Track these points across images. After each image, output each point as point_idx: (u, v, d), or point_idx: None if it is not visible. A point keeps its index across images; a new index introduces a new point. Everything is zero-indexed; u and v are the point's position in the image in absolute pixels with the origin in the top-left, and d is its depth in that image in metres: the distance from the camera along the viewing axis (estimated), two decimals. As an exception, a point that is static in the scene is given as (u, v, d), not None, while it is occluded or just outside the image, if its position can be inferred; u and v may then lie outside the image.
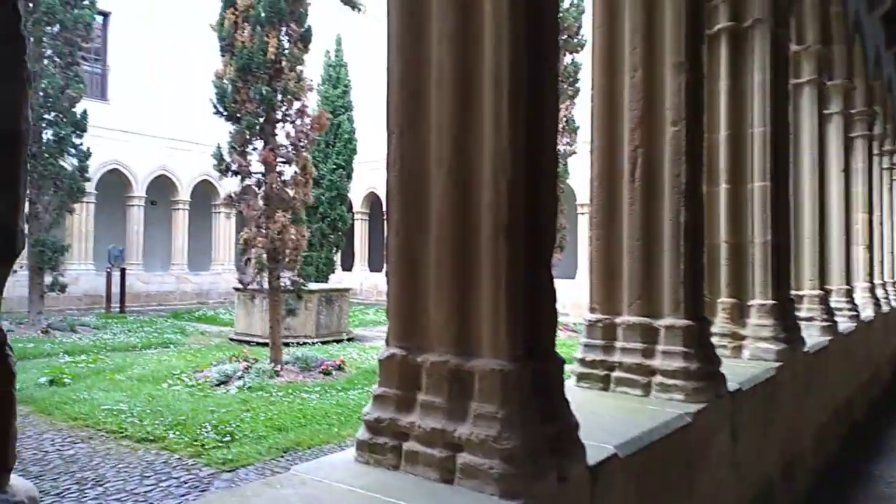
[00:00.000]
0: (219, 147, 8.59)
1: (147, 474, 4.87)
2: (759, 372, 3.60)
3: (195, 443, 5.53)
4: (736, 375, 3.34)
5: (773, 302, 4.08)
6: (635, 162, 3.03)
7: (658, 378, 2.89)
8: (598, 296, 3.12)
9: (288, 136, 8.80)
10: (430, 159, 1.95)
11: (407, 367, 1.96)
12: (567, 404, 1.94)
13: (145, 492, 4.50)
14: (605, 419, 2.56)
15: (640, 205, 3.01)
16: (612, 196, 3.07)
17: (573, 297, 18.81)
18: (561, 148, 13.37)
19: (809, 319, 5.24)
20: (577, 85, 13.75)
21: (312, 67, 10.69)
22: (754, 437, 3.43)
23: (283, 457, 5.37)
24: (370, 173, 23.41)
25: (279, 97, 8.62)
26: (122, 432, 5.87)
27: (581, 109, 14.36)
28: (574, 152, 13.62)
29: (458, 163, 1.88)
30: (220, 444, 5.51)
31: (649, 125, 3.00)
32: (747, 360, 3.98)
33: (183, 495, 4.46)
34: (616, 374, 2.98)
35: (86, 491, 4.49)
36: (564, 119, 13.22)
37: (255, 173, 8.75)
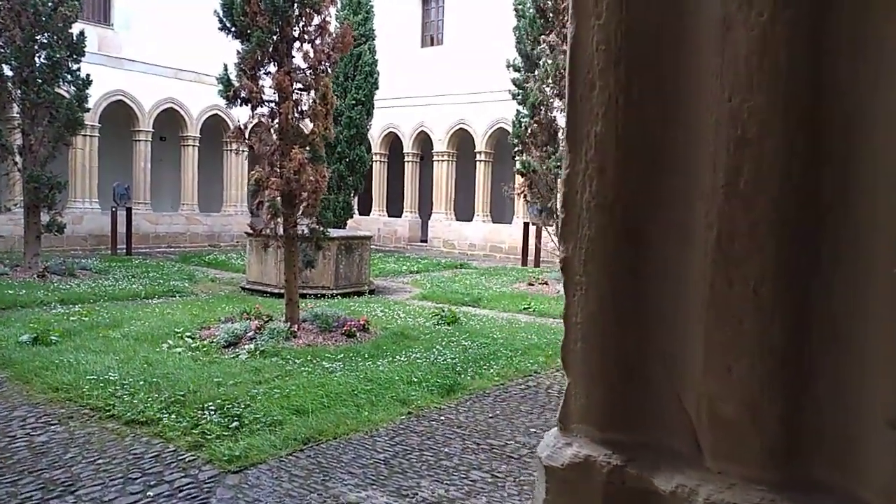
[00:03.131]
0: (225, 68, 7.32)
1: (133, 475, 3.85)
2: None
3: (195, 429, 4.50)
4: None
5: None
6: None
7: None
8: None
9: (306, 57, 7.49)
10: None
11: (624, 498, 0.80)
12: None
13: (127, 505, 3.49)
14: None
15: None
16: None
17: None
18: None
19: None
20: None
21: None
22: None
23: (302, 450, 4.33)
24: (388, 111, 22.01)
25: (296, 9, 7.28)
26: (108, 410, 4.85)
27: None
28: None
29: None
30: (226, 432, 4.48)
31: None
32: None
33: (175, 512, 3.44)
34: None
35: (50, 501, 3.47)
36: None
37: (267, 101, 7.50)
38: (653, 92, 0.78)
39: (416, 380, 5.83)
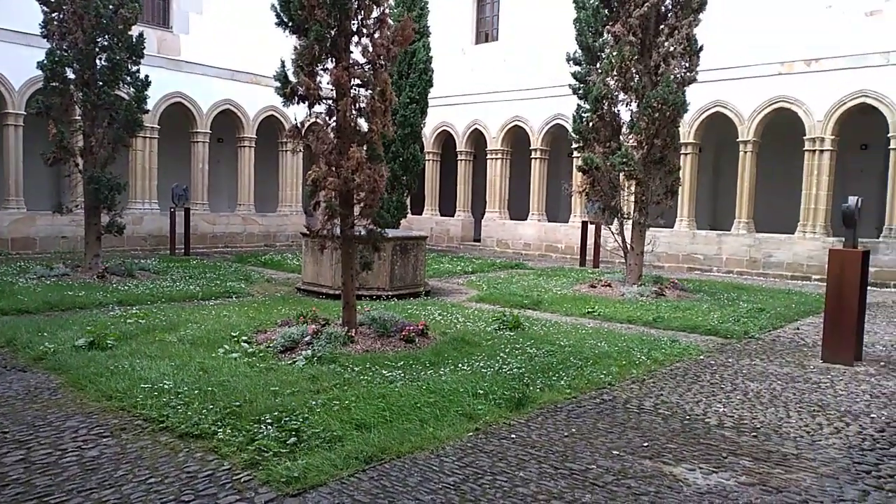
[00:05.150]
0: (283, 65, 7.07)
1: (185, 496, 3.57)
2: None
3: (251, 445, 4.21)
4: None
5: None
6: None
7: None
8: None
9: (365, 52, 7.18)
10: None
11: None
12: None
13: (179, 533, 3.21)
14: None
15: None
16: None
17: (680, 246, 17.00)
18: (679, 73, 11.28)
19: None
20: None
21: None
22: None
23: (364, 471, 3.99)
24: (441, 109, 21.70)
25: (355, 2, 6.98)
26: (161, 422, 4.62)
27: (708, 26, 12.16)
28: (694, 79, 11.47)
29: None
30: (284, 449, 4.17)
31: None
32: None
33: (229, 543, 3.14)
34: None
35: (98, 528, 3.23)
36: (686, 38, 11.04)
37: (325, 99, 7.22)
38: None
39: (481, 392, 5.43)
